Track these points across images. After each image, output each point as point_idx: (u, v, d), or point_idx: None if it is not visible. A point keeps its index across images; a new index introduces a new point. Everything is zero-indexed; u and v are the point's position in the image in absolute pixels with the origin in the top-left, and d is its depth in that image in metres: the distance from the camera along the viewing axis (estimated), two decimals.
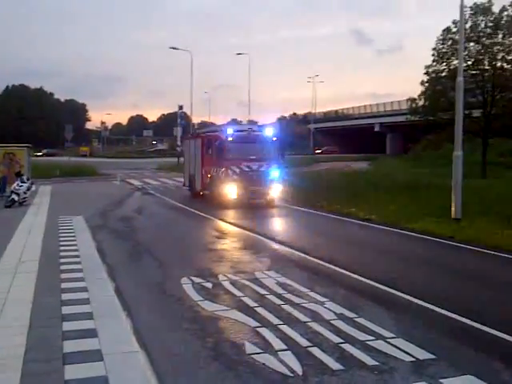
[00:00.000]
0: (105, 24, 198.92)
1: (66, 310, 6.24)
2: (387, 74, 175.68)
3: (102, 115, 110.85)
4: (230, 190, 17.23)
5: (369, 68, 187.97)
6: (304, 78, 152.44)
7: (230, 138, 17.50)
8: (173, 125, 54.73)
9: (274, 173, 17.78)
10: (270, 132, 18.64)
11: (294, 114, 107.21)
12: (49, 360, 4.80)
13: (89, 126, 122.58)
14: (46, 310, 6.28)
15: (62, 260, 9.03)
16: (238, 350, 5.10)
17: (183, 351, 5.15)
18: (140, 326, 5.75)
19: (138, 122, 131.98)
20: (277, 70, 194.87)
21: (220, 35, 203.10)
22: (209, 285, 7.52)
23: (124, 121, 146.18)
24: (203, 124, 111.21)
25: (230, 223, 14.21)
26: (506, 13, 27.69)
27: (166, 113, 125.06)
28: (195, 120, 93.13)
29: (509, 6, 27.65)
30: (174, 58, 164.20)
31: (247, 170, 17.35)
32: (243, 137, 18.00)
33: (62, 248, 10.14)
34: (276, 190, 17.83)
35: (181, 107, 49.36)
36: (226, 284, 7.57)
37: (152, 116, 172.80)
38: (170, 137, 71.38)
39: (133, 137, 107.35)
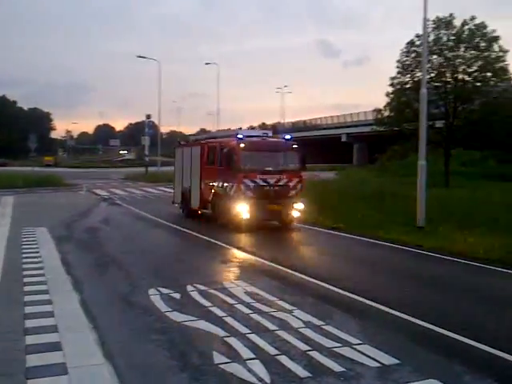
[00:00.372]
0: (72, 32, 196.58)
1: (29, 323, 6.09)
2: (354, 85, 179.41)
3: (68, 124, 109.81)
4: (242, 209, 14.02)
5: (336, 79, 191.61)
6: (273, 88, 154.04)
7: (242, 145, 14.23)
8: (140, 134, 54.19)
9: (296, 188, 14.60)
10: (289, 138, 15.57)
11: (263, 123, 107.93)
12: (11, 374, 4.68)
13: (54, 135, 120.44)
14: (9, 323, 6.12)
15: (25, 272, 8.80)
16: (206, 360, 5.08)
17: (150, 362, 5.10)
18: (106, 339, 5.66)
19: (104, 131, 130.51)
20: (246, 79, 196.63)
21: (189, 45, 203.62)
22: (177, 295, 7.47)
23: (90, 130, 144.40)
24: (172, 133, 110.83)
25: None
26: (466, 26, 28.69)
27: (133, 122, 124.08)
28: (164, 129, 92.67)
29: (469, 20, 28.67)
30: (142, 67, 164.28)
31: (263, 184, 14.13)
32: (258, 144, 14.92)
33: (24, 260, 9.88)
34: (297, 209, 14.56)
35: (148, 116, 48.96)
36: (195, 294, 7.53)
37: (119, 125, 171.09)
38: (138, 146, 70.67)
39: (99, 146, 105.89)
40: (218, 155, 15.21)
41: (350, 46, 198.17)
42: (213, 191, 15.47)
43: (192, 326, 6.07)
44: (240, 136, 14.57)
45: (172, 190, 20.57)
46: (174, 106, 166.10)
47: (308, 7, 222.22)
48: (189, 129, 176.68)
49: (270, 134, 16.80)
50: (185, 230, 14.73)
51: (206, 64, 53.16)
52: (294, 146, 15.13)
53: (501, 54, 28.28)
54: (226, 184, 14.71)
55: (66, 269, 9.25)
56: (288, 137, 15.64)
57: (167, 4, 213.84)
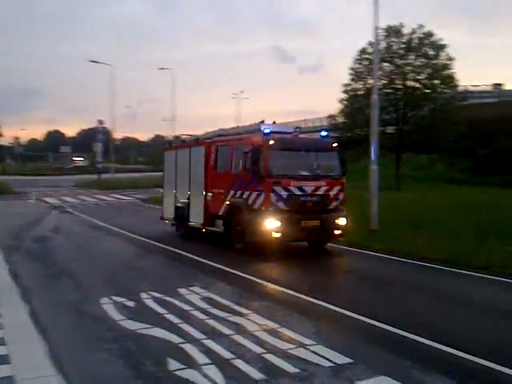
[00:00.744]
0: (19, 35, 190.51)
1: None
2: (310, 92, 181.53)
3: (16, 130, 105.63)
4: (272, 226, 10.85)
5: (292, 85, 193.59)
6: (229, 93, 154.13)
7: (271, 142, 11.13)
8: (93, 140, 53.00)
9: (337, 198, 11.67)
10: (326, 135, 12.68)
11: (220, 129, 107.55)
12: None
13: (1, 141, 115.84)
14: None
15: None
16: (161, 367, 5.01)
17: (103, 372, 5.00)
18: (57, 350, 5.49)
19: (55, 138, 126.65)
20: (202, 85, 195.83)
21: (143, 50, 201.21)
22: (131, 303, 7.34)
23: (41, 137, 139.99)
24: (126, 139, 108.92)
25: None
26: (415, 35, 29.72)
27: (86, 128, 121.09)
28: (117, 136, 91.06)
29: (418, 28, 29.70)
30: (94, 72, 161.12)
31: (299, 193, 11.16)
32: (292, 142, 11.88)
33: None
34: (339, 226, 11.65)
35: (101, 122, 48.01)
36: (149, 302, 7.43)
37: (71, 131, 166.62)
38: (91, 153, 69.03)
39: (49, 153, 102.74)
40: (235, 157, 12.10)
41: (305, 53, 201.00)
42: (226, 203, 12.16)
43: (146, 334, 5.98)
44: (267, 130, 11.41)
45: (128, 198, 19.40)
46: (129, 112, 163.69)
47: (263, 14, 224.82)
48: (143, 135, 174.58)
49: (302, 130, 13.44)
50: (143, 239, 14.50)
51: (161, 69, 52.70)
52: (334, 145, 12.22)
53: (448, 62, 29.48)
54: (247, 194, 11.51)
55: (14, 279, 8.93)
56: (324, 133, 12.66)
57: (121, 8, 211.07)
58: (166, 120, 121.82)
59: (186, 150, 14.72)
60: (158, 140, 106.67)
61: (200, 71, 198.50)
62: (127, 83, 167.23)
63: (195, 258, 11.15)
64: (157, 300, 7.49)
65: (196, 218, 13.52)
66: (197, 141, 14.71)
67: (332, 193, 11.58)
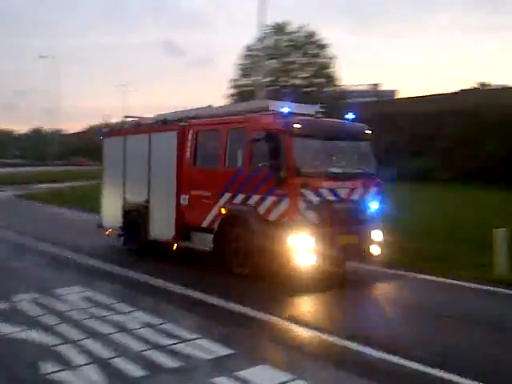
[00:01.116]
0: None
1: None
2: (200, 86, 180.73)
3: None
4: (302, 246, 7.80)
5: (182, 79, 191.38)
6: (115, 85, 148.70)
7: (297, 126, 8.09)
8: None
9: (374, 204, 8.79)
10: (354, 118, 9.36)
11: (106, 124, 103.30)
12: None
13: None
14: None
15: None
16: (33, 371, 4.71)
17: None
18: None
19: None
20: (87, 76, 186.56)
21: (21, 37, 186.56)
22: (2, 306, 6.79)
23: None
24: (0, 132, 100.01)
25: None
26: (299, 33, 30.94)
27: None
28: None
29: (302, 27, 30.93)
30: None
31: (332, 198, 8.20)
32: (323, 127, 8.74)
33: None
34: (377, 242, 8.72)
35: None
36: (23, 304, 6.93)
37: None
38: None
39: None
40: (230, 146, 9.00)
41: (195, 47, 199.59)
42: (220, 211, 8.93)
43: (18, 338, 5.57)
44: (287, 109, 8.43)
45: None
46: (5, 103, 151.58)
47: (152, 5, 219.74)
48: (23, 127, 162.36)
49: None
50: None
51: (41, 57, 49.86)
52: (368, 132, 9.24)
53: (329, 60, 31.07)
54: (256, 199, 8.34)
55: None
56: (352, 116, 9.36)
57: None
58: (47, 111, 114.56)
59: (143, 136, 10.88)
60: (38, 133, 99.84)
61: (86, 62, 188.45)
62: (3, 72, 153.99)
63: (70, 256, 10.63)
64: (33, 301, 7.02)
65: (161, 229, 10.10)
66: (164, 123, 10.71)
67: (369, 197, 8.71)
